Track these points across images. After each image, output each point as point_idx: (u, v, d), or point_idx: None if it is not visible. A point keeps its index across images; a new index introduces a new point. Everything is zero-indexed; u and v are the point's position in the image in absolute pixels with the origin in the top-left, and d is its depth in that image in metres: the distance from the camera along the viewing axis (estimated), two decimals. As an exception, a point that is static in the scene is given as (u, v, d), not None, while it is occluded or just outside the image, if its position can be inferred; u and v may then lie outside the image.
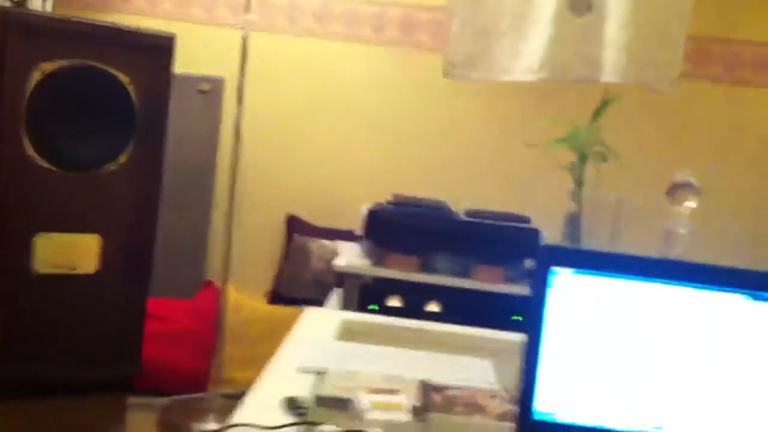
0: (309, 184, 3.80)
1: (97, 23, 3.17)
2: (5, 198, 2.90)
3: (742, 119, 3.64)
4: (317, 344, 1.67)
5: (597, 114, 2.69)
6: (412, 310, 2.88)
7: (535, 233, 2.95)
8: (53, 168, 2.96)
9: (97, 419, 3.02)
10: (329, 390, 1.33)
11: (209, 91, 3.69)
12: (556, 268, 1.19)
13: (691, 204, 1.67)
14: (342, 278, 2.98)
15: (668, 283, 1.19)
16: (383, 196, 3.12)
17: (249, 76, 3.20)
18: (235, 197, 3.23)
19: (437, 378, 1.47)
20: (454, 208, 3.12)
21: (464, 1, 3.28)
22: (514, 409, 1.22)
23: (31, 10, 3.30)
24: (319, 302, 3.06)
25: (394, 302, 2.92)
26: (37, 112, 2.89)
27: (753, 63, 3.64)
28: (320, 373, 1.43)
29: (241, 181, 3.31)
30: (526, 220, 3.05)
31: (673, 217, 1.66)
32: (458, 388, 1.41)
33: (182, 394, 3.20)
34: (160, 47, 3.11)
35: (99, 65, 2.98)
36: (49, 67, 2.87)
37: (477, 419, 1.27)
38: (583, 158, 2.64)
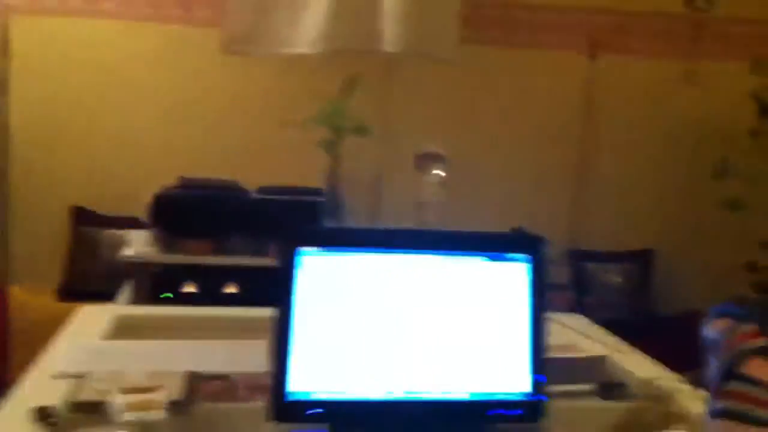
0: (92, 173, 3.62)
1: None
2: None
3: (522, 82, 3.78)
4: (80, 346, 1.60)
5: (345, 90, 2.71)
6: (209, 294, 2.83)
7: (330, 205, 2.96)
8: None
9: None
10: (86, 395, 1.28)
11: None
12: (303, 248, 1.19)
13: (439, 173, 1.73)
14: (132, 268, 2.88)
15: (412, 253, 1.23)
16: (174, 179, 3.03)
17: (14, 63, 3.00)
18: (10, 194, 3.04)
19: (210, 367, 1.45)
20: (246, 187, 3.08)
21: (241, -24, 3.21)
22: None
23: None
24: (111, 295, 2.94)
25: (190, 288, 2.86)
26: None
27: (529, 27, 3.78)
28: (79, 378, 1.37)
29: (15, 176, 3.11)
30: (320, 192, 3.06)
31: (424, 187, 1.72)
32: (226, 375, 1.40)
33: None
34: None
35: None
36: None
37: (249, 405, 1.27)
38: (339, 134, 2.65)
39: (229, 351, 1.60)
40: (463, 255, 1.24)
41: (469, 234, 1.25)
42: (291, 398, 1.17)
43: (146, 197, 2.90)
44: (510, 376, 1.23)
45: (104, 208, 3.60)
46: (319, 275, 1.19)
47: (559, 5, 3.77)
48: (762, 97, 3.56)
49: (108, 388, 1.28)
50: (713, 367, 0.96)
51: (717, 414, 0.92)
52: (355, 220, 2.55)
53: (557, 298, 3.37)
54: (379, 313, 1.20)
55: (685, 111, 3.84)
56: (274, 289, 1.18)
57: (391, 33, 3.19)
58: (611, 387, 1.54)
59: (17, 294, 3.20)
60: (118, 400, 1.18)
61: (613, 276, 3.80)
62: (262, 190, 3.11)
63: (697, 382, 1.55)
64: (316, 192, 3.03)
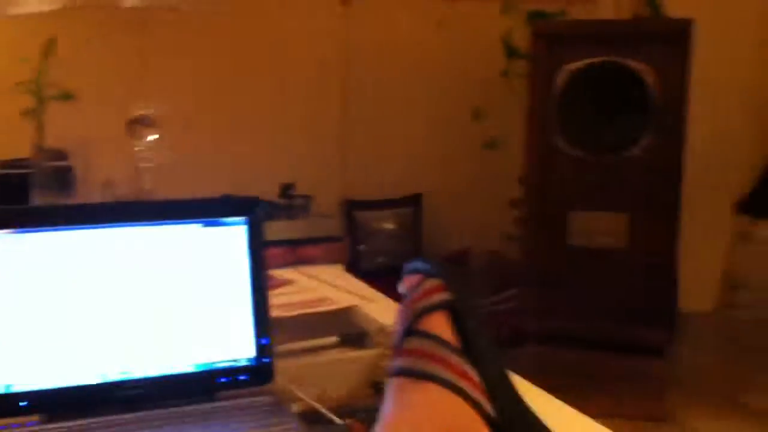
0: None
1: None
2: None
3: (276, 30, 3.68)
4: None
5: (45, 53, 2.54)
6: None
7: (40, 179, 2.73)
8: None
9: None
10: None
11: None
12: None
13: (152, 137, 1.67)
14: None
15: (115, 227, 1.16)
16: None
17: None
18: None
19: None
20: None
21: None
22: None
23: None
24: None
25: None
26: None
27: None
28: None
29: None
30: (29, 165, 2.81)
31: (138, 153, 1.64)
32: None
33: None
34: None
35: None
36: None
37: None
38: (40, 101, 2.49)
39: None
40: (174, 224, 1.18)
41: (179, 201, 1.20)
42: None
43: None
44: (234, 343, 1.20)
45: None
46: (8, 260, 1.09)
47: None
48: (509, 39, 3.72)
49: None
50: (397, 323, 0.92)
51: (394, 372, 0.88)
52: (84, 192, 2.40)
53: (331, 249, 3.40)
54: (85, 294, 1.12)
55: (441, 55, 3.94)
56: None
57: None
58: (353, 337, 1.55)
59: None
60: None
61: (385, 223, 3.89)
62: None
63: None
64: (24, 165, 2.81)
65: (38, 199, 2.31)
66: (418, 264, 0.94)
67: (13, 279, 1.09)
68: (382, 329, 1.57)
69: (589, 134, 3.43)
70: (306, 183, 3.50)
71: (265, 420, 1.12)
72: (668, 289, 3.52)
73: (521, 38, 3.56)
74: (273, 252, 1.37)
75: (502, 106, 3.74)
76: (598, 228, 3.48)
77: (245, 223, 1.22)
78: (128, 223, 1.16)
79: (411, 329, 0.88)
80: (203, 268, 1.20)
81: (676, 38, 3.28)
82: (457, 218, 4.00)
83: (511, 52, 3.67)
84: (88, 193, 2.26)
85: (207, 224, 1.20)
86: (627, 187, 3.45)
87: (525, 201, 3.60)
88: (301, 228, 3.36)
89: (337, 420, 1.14)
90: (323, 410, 1.17)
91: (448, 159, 3.96)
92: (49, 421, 1.10)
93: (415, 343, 0.87)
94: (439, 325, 0.87)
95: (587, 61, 3.33)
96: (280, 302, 1.59)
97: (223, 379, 1.19)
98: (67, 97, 2.43)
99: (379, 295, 1.96)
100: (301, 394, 1.21)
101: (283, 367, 1.24)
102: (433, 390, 0.81)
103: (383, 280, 3.94)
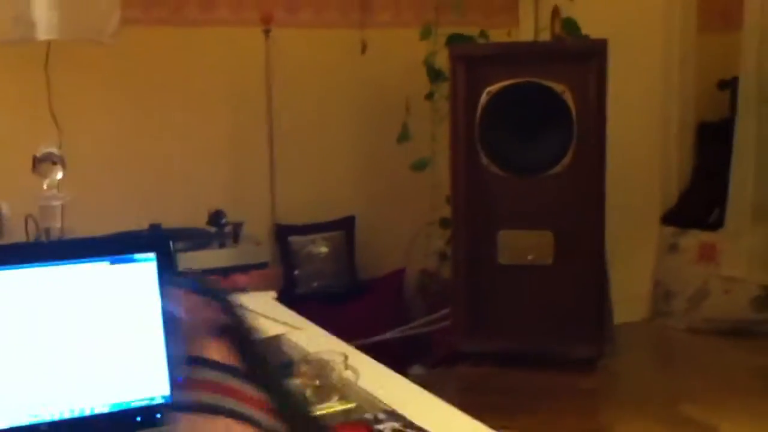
0: None
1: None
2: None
3: (197, 61, 3.67)
4: None
5: None
6: None
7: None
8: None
9: None
10: None
11: None
12: None
13: (58, 176, 1.65)
14: None
15: (25, 267, 1.14)
16: None
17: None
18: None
19: None
20: None
21: None
22: None
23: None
24: None
25: None
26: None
27: (199, 4, 3.67)
28: None
29: None
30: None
31: (45, 192, 1.62)
32: None
33: None
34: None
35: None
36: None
37: None
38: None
39: None
40: (80, 262, 1.16)
41: (86, 240, 1.19)
42: None
43: None
44: (148, 381, 1.19)
45: None
46: None
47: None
48: (431, 62, 3.77)
49: None
50: (175, 350, 0.86)
51: (184, 407, 0.83)
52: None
53: (262, 276, 3.37)
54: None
55: (365, 79, 3.96)
56: None
57: (45, 20, 3.03)
58: (279, 367, 1.54)
59: None
60: None
61: (318, 247, 3.88)
62: None
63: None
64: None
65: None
66: (192, 283, 0.89)
67: None
68: (304, 358, 1.57)
69: (513, 154, 3.47)
70: (236, 210, 3.47)
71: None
72: (596, 303, 3.57)
73: (444, 61, 3.60)
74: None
75: (429, 128, 3.78)
76: (525, 246, 3.52)
77: (156, 259, 1.21)
78: (33, 264, 1.14)
79: (194, 357, 0.84)
80: (113, 306, 1.18)
81: (592, 58, 3.36)
82: (390, 239, 4.01)
83: (435, 75, 3.71)
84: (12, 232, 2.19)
85: (115, 261, 1.19)
86: (552, 205, 3.49)
87: (453, 221, 3.62)
88: (231, 256, 3.33)
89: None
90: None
91: (378, 180, 3.97)
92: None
93: (203, 373, 0.83)
94: (222, 350, 0.84)
95: (507, 82, 3.39)
96: (201, 335, 1.57)
97: (138, 418, 1.18)
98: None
99: (306, 323, 1.96)
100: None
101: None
102: (222, 425, 0.80)
103: (319, 303, 3.90)
